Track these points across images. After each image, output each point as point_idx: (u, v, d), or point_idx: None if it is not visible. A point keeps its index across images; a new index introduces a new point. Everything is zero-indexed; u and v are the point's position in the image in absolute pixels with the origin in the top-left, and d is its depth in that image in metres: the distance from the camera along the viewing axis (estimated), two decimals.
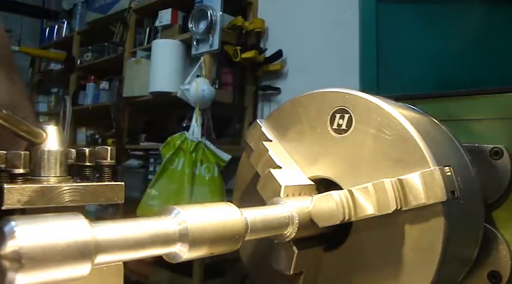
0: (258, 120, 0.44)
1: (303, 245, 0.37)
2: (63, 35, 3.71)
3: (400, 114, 0.36)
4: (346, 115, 0.38)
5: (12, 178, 0.27)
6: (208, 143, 2.14)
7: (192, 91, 2.11)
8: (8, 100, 0.57)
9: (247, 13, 2.45)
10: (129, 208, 2.11)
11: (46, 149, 0.28)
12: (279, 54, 2.26)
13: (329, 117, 0.39)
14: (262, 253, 0.42)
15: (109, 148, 0.30)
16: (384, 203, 0.33)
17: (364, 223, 0.36)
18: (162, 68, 2.38)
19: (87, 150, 0.30)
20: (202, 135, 2.14)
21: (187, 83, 2.20)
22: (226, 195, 2.13)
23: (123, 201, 0.29)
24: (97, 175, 0.30)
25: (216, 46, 2.20)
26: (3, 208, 0.25)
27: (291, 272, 0.37)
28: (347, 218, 0.34)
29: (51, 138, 0.28)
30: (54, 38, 3.77)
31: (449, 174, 0.34)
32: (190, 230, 0.26)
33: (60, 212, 0.24)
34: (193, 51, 2.29)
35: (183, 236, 0.26)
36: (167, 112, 2.88)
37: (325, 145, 0.40)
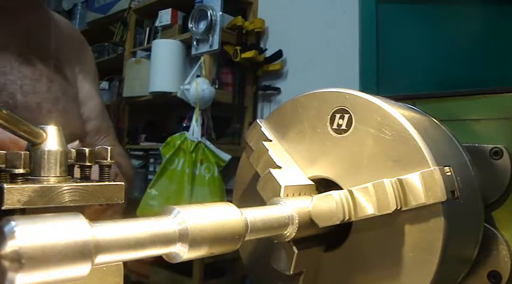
0: (258, 120, 0.44)
1: (303, 245, 0.37)
2: None
3: (400, 114, 0.36)
4: (346, 115, 0.38)
5: (12, 178, 0.27)
6: (208, 143, 2.14)
7: (192, 91, 2.12)
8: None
9: (247, 13, 2.45)
10: (129, 208, 2.11)
11: (46, 149, 0.28)
12: (279, 54, 2.26)
13: (329, 117, 0.39)
14: (262, 253, 0.42)
15: (109, 148, 0.30)
16: (383, 203, 0.33)
17: (364, 223, 0.36)
18: (162, 68, 2.38)
19: (87, 150, 0.30)
20: (202, 135, 2.14)
21: (187, 83, 2.20)
22: (226, 195, 2.13)
23: (123, 201, 0.29)
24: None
25: (216, 46, 2.20)
26: (3, 208, 0.25)
27: (291, 272, 0.36)
28: (347, 218, 0.34)
29: (51, 138, 0.28)
30: None
31: (449, 174, 0.34)
32: (190, 230, 0.26)
33: (60, 212, 0.24)
34: (193, 51, 2.30)
35: (183, 236, 0.26)
36: (167, 112, 2.88)
37: (325, 145, 0.39)
